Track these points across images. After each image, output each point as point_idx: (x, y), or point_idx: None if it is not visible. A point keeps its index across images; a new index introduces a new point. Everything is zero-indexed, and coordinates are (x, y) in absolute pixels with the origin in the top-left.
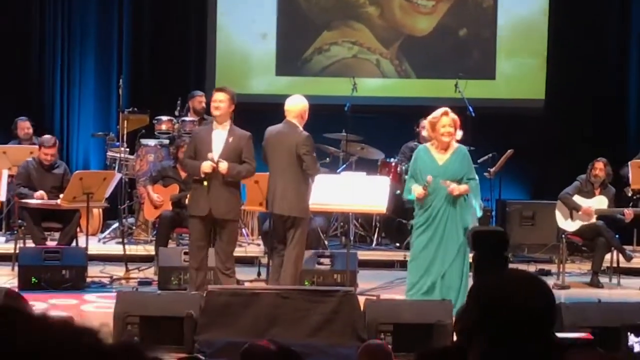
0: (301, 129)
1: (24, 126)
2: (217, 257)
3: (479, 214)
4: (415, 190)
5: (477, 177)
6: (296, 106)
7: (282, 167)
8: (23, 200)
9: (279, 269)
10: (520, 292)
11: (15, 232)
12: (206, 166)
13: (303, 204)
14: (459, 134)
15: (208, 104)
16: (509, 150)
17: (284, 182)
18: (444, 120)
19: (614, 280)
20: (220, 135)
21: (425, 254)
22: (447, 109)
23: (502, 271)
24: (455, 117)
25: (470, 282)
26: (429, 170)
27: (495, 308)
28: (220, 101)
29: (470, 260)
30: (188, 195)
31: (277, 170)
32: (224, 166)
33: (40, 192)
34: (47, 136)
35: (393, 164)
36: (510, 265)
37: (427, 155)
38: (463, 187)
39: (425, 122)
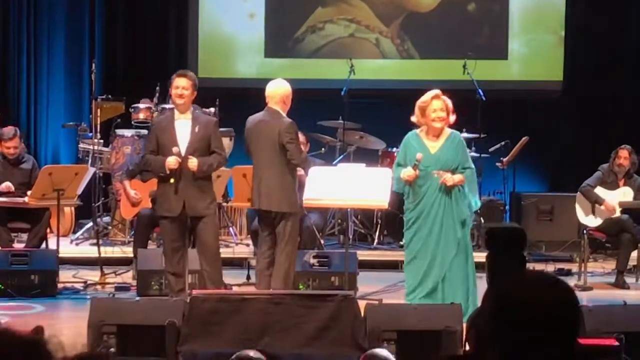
0: (284, 115)
1: None
2: (202, 259)
3: (476, 206)
4: (405, 173)
5: (473, 165)
6: (277, 90)
7: (265, 158)
8: None
9: (266, 272)
10: (539, 295)
11: None
12: (171, 161)
13: (291, 198)
14: (452, 118)
15: None
16: (523, 138)
17: (269, 175)
18: (435, 104)
19: None
20: (184, 125)
21: (422, 255)
22: (438, 91)
23: (519, 272)
24: (448, 100)
25: (483, 283)
26: (424, 158)
27: (511, 314)
28: (184, 88)
29: (484, 259)
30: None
31: (260, 163)
32: (193, 163)
33: (6, 184)
34: (6, 128)
35: (395, 154)
36: (528, 265)
37: (418, 142)
38: (457, 177)
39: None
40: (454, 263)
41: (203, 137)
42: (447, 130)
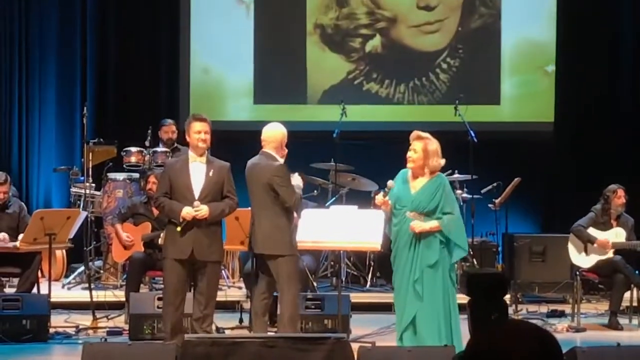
0: (278, 158)
1: None
2: (197, 305)
3: (460, 255)
4: (377, 199)
5: (457, 211)
6: (270, 134)
7: (259, 201)
8: None
9: (262, 317)
10: (519, 344)
11: None
12: (188, 214)
13: (285, 240)
14: (437, 161)
15: (179, 132)
16: (515, 179)
17: (263, 218)
18: (413, 145)
19: (635, 322)
20: (199, 169)
21: (397, 295)
22: (421, 133)
23: (500, 321)
24: (431, 143)
25: (464, 330)
26: (403, 198)
27: None
28: (206, 132)
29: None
30: (161, 235)
31: (255, 206)
32: (204, 212)
33: (2, 234)
34: None
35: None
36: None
37: (404, 181)
38: (429, 224)
39: None
40: (423, 307)
41: (217, 182)
42: (434, 173)
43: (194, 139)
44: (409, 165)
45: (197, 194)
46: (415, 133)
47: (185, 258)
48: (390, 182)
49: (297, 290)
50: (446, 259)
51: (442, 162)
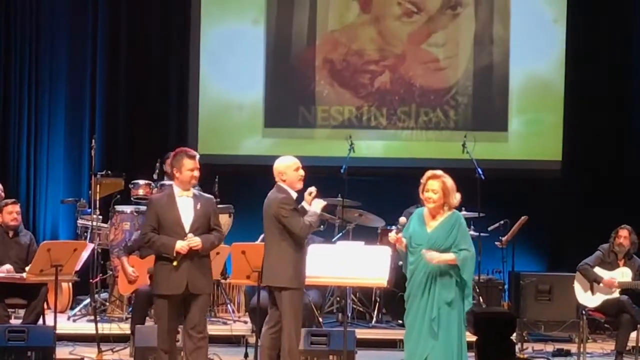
0: (288, 190)
1: None
2: (189, 338)
3: (470, 302)
4: (390, 237)
5: (473, 249)
6: (275, 166)
7: (268, 233)
8: None
9: (268, 351)
10: None
11: None
12: (183, 248)
13: (288, 272)
14: (456, 197)
15: None
16: (522, 217)
17: (270, 249)
18: (429, 184)
19: None
20: (187, 203)
21: (409, 334)
22: (436, 172)
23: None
24: (448, 180)
25: None
26: (418, 237)
27: None
28: (198, 169)
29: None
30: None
31: (266, 238)
32: (197, 242)
33: (7, 267)
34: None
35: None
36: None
37: (420, 220)
38: (444, 256)
39: None
40: (437, 345)
41: (205, 215)
42: (449, 211)
43: (187, 175)
44: (429, 205)
45: (187, 227)
46: (430, 172)
47: (180, 293)
48: (402, 219)
49: (298, 325)
50: (461, 300)
51: (459, 197)
